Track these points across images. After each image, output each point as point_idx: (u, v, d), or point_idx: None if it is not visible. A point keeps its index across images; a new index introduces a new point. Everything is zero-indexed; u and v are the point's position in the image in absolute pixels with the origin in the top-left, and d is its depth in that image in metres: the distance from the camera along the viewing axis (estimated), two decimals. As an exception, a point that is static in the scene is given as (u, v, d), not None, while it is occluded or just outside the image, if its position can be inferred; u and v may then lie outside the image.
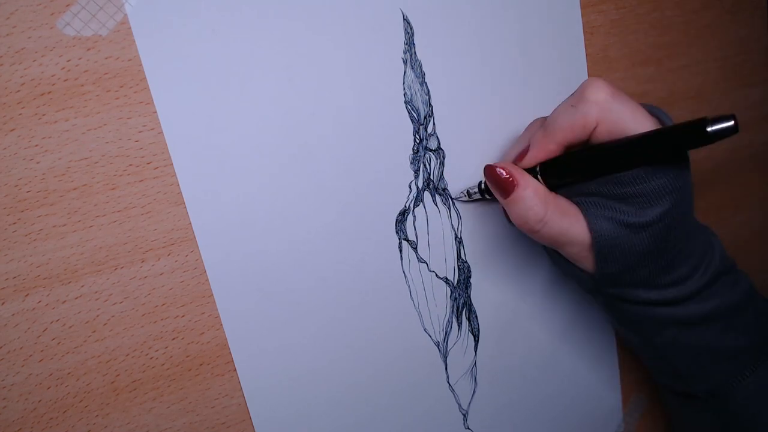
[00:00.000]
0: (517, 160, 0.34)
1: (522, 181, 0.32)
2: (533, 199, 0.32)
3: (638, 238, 0.31)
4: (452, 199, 0.38)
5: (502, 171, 0.33)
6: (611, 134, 0.31)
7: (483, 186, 0.36)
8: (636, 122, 0.30)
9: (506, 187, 0.32)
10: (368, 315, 0.36)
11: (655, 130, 0.29)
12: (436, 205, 0.37)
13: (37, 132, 0.28)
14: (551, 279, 0.42)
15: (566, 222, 0.32)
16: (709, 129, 0.27)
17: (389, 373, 0.38)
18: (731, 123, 0.27)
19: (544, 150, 0.33)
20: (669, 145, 0.29)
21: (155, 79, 0.29)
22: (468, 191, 0.37)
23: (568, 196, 0.33)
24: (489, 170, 0.33)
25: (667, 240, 0.31)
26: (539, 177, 0.33)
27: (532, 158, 0.33)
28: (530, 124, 0.36)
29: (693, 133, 0.28)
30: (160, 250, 0.31)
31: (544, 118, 0.35)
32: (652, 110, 0.33)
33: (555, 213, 0.32)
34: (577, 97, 0.32)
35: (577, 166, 0.32)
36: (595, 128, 0.31)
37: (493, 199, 0.36)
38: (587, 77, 0.41)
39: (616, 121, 0.30)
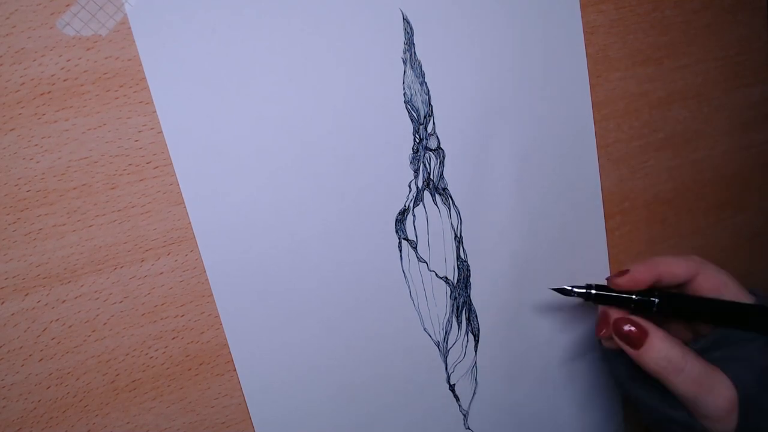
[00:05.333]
0: (616, 276, 0.35)
1: (653, 330, 0.33)
2: (670, 347, 0.32)
3: None
4: (452, 198, 0.38)
5: (629, 326, 0.33)
6: (708, 278, 0.34)
7: (592, 294, 0.37)
8: (731, 285, 0.34)
9: (637, 338, 0.33)
10: (368, 315, 0.36)
11: None
12: (436, 205, 0.37)
13: (37, 132, 0.28)
14: (551, 278, 0.42)
15: (708, 368, 0.32)
16: None
17: (389, 373, 0.38)
18: None
19: (643, 274, 0.35)
20: None
21: (155, 79, 0.30)
22: (574, 289, 0.37)
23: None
24: (617, 326, 0.34)
25: None
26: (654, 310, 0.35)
27: (628, 279, 0.35)
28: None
29: None
30: (160, 249, 0.31)
31: None
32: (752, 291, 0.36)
33: (694, 358, 0.32)
34: (682, 255, 0.36)
35: (699, 309, 0.35)
36: (696, 277, 0.35)
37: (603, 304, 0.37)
38: (587, 78, 0.41)
39: (715, 275, 0.34)
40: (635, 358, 0.33)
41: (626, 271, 0.35)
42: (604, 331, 0.35)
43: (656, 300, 0.34)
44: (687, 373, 0.31)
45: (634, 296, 0.35)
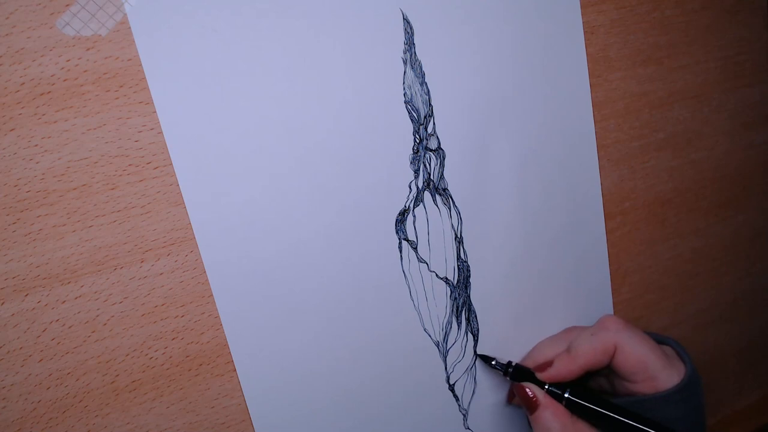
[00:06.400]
0: (539, 369, 0.38)
1: (544, 402, 0.37)
2: (552, 419, 0.36)
3: None
4: (453, 198, 0.38)
5: (529, 391, 0.37)
6: (628, 357, 0.37)
7: (511, 371, 0.39)
8: (646, 348, 0.37)
9: (531, 405, 0.37)
10: (368, 315, 0.36)
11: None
12: (436, 205, 0.37)
13: (37, 132, 0.28)
14: (550, 279, 0.42)
15: None
16: None
17: (389, 373, 0.38)
18: None
19: (566, 370, 0.38)
20: None
21: (155, 79, 0.29)
22: (497, 362, 0.40)
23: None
24: (519, 388, 0.38)
25: None
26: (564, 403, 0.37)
27: (553, 375, 0.38)
28: (567, 329, 0.42)
29: None
30: (160, 250, 0.31)
31: (582, 328, 0.41)
32: (661, 339, 0.39)
33: None
34: (595, 328, 0.38)
35: (599, 416, 0.37)
36: (614, 353, 0.37)
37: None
38: (587, 78, 0.41)
39: (632, 345, 0.37)
40: (529, 419, 0.38)
41: (550, 363, 0.38)
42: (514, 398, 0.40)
43: (566, 395, 0.37)
44: None
45: (546, 386, 0.38)
